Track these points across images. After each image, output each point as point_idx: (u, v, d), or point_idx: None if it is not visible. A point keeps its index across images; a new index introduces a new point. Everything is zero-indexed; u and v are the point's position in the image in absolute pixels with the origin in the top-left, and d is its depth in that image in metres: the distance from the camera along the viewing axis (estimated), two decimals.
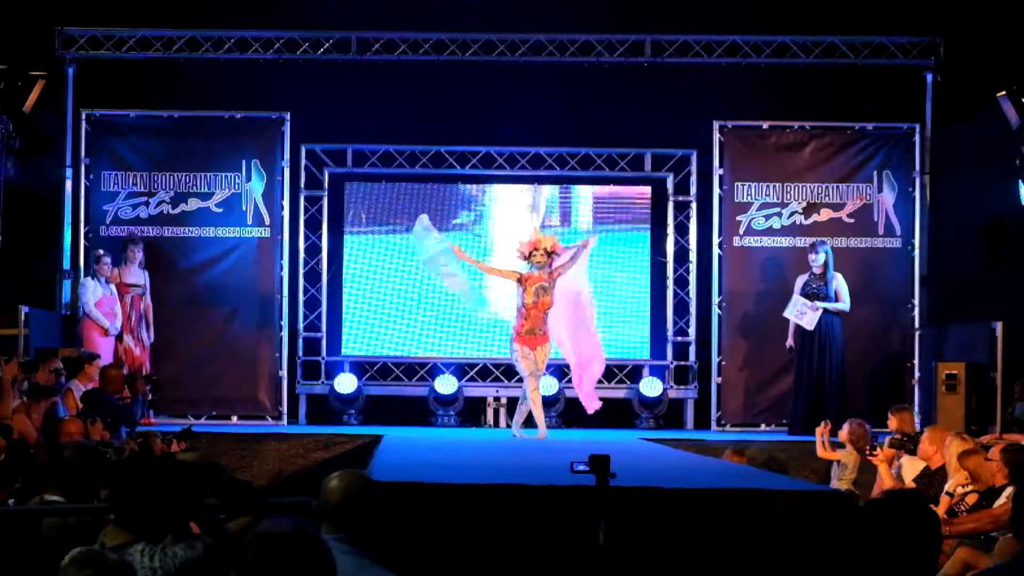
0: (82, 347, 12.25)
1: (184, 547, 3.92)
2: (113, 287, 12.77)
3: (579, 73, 13.93)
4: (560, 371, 13.88)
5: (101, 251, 12.98)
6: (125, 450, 7.57)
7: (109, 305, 12.68)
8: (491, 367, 13.85)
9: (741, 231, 13.70)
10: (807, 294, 12.64)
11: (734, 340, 13.66)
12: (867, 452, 9.41)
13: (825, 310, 12.58)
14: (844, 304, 12.70)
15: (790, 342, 12.76)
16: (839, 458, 9.98)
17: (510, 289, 11.73)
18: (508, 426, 13.61)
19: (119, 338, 12.78)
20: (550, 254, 11.38)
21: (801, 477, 11.17)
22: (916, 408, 12.81)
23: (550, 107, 14.11)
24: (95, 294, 12.64)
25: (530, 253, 11.42)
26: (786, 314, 12.72)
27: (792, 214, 13.69)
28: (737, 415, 13.62)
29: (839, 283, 12.71)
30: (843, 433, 10.00)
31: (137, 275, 13.02)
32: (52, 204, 13.59)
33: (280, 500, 5.92)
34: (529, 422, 11.56)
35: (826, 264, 12.71)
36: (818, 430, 10.26)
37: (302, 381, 13.89)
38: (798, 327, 12.67)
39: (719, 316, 13.69)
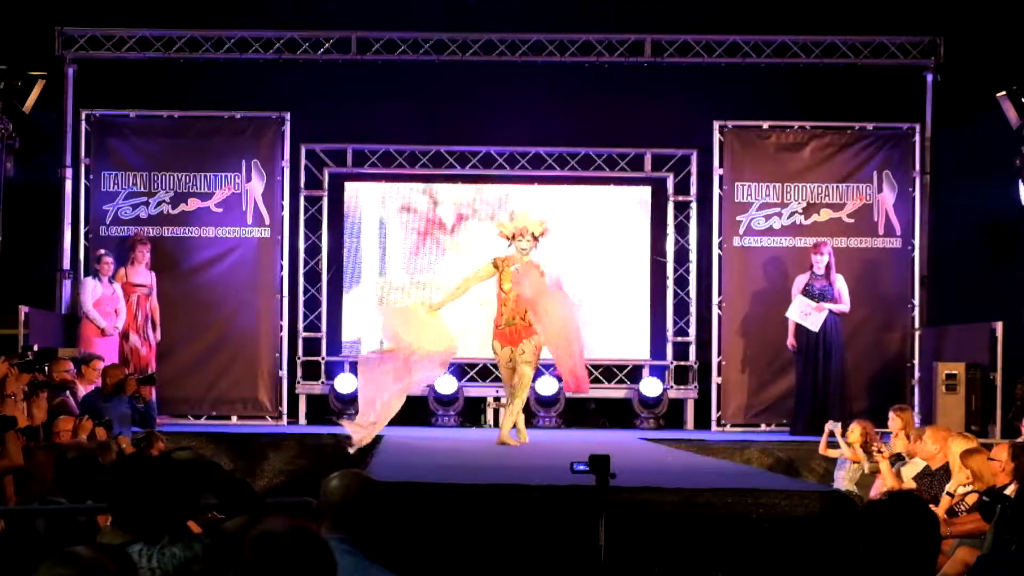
0: (78, 347, 12.26)
1: (182, 547, 3.92)
2: (117, 286, 12.76)
3: (579, 73, 13.92)
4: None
5: (103, 250, 12.98)
6: (112, 450, 7.54)
7: (110, 304, 12.65)
8: (491, 367, 13.82)
9: (741, 231, 13.69)
10: (810, 295, 12.62)
11: (734, 340, 13.65)
12: (874, 452, 9.43)
13: (829, 311, 12.56)
14: (845, 305, 12.71)
15: (791, 340, 12.74)
16: (859, 459, 9.93)
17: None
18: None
19: (125, 337, 12.78)
20: (537, 238, 10.59)
21: (800, 477, 11.20)
22: (916, 408, 12.79)
23: (550, 107, 14.11)
24: (94, 294, 12.63)
25: (514, 235, 10.58)
26: (789, 315, 12.69)
27: (792, 214, 13.68)
28: (737, 415, 13.61)
29: (841, 284, 12.70)
30: (854, 434, 9.98)
31: (144, 275, 13.02)
32: (52, 204, 13.58)
33: (280, 500, 5.93)
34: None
35: (829, 265, 12.70)
36: (836, 429, 10.21)
37: (302, 381, 13.89)
38: (799, 326, 12.64)
39: (719, 316, 13.68)
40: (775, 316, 13.28)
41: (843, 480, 10.04)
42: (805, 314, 12.58)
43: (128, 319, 12.79)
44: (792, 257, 13.52)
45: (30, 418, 8.80)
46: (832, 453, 10.50)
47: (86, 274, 13.11)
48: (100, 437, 8.64)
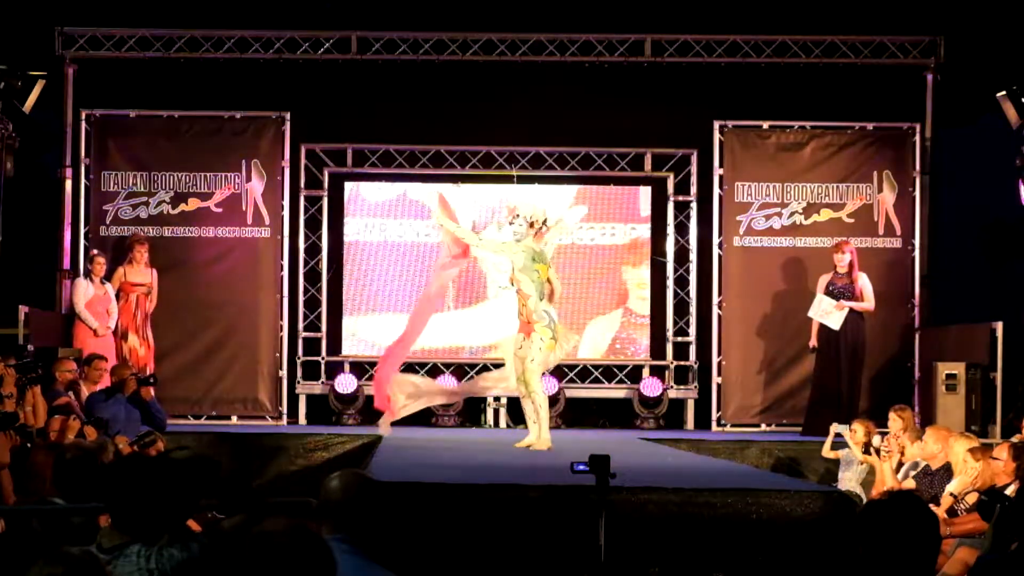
0: (71, 347, 12.25)
1: (180, 548, 3.91)
2: (109, 287, 12.77)
3: (579, 73, 13.92)
4: (560, 370, 13.87)
5: (95, 251, 13.00)
6: (108, 450, 7.53)
7: (101, 305, 12.66)
8: (491, 367, 13.80)
9: (741, 231, 13.68)
10: (832, 294, 12.59)
11: (734, 340, 13.63)
12: (881, 451, 9.42)
13: (851, 309, 12.52)
14: (869, 303, 12.64)
15: (813, 342, 12.69)
16: (869, 461, 9.92)
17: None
18: (509, 426, 13.61)
19: (124, 338, 12.77)
20: (534, 224, 10.25)
21: (801, 477, 11.19)
22: (916, 408, 12.79)
23: (550, 107, 14.09)
24: (86, 294, 12.63)
25: (511, 221, 10.39)
26: (811, 314, 12.66)
27: (792, 214, 13.68)
28: (737, 415, 13.60)
29: (864, 282, 12.66)
30: (858, 434, 9.97)
31: (144, 274, 13.02)
32: (52, 204, 13.58)
33: (280, 500, 5.92)
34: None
35: (852, 264, 12.67)
36: (843, 430, 10.19)
37: (302, 381, 13.89)
38: (822, 327, 12.60)
39: (719, 316, 13.68)
40: (775, 316, 13.27)
41: (849, 481, 10.03)
42: (826, 313, 12.54)
43: (127, 319, 12.80)
44: (793, 257, 13.52)
45: (24, 416, 8.80)
46: (836, 454, 10.48)
47: (86, 274, 13.11)
48: (89, 436, 8.63)
